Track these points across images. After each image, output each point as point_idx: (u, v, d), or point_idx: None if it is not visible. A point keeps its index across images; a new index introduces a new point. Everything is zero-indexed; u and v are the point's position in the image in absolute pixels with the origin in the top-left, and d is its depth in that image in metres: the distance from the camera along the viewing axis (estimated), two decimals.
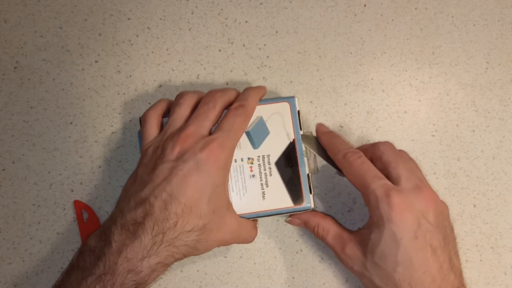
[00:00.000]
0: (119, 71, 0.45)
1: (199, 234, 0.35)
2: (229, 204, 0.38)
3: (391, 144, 0.40)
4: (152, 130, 0.39)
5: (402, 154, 0.39)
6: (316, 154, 0.41)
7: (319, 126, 0.43)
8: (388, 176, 0.37)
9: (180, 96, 0.40)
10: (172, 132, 0.37)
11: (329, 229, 0.39)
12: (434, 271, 0.34)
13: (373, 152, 0.39)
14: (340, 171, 0.40)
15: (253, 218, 0.40)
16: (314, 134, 0.44)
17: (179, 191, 0.34)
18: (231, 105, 0.39)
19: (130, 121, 0.45)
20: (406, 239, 0.34)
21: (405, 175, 0.37)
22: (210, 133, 0.37)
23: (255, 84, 0.45)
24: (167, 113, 0.40)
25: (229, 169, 0.38)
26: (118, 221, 0.34)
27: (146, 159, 0.37)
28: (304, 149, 0.40)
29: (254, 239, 0.40)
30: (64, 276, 0.34)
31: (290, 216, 0.42)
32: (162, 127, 0.40)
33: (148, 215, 0.34)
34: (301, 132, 0.41)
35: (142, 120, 0.40)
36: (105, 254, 0.33)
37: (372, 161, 0.38)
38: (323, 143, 0.41)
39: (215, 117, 0.38)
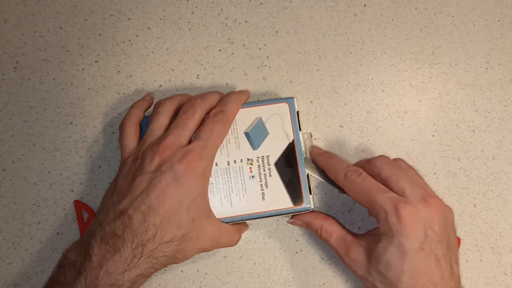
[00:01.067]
0: (119, 71, 0.45)
1: (178, 244, 0.35)
2: (209, 212, 0.38)
3: (386, 157, 0.39)
4: (131, 139, 0.39)
5: (400, 164, 0.39)
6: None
7: (313, 148, 0.42)
8: (390, 190, 0.37)
9: (158, 104, 0.39)
10: (151, 142, 0.37)
11: (332, 231, 0.39)
12: (437, 279, 0.35)
13: (370, 170, 0.38)
14: (341, 190, 0.39)
15: (239, 222, 0.40)
16: (312, 135, 0.44)
17: (158, 203, 0.34)
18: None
19: None
20: (413, 250, 0.34)
21: (409, 187, 0.36)
22: (190, 142, 0.37)
23: (255, 84, 0.45)
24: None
25: (209, 177, 0.38)
26: (97, 234, 0.34)
27: (125, 169, 0.37)
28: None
29: (236, 243, 0.40)
30: None
31: (292, 217, 0.42)
32: (140, 134, 0.40)
33: (127, 228, 0.33)
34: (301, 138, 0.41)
35: (120, 131, 0.40)
36: (86, 268, 0.33)
37: None
38: (320, 164, 0.41)
39: (195, 126, 0.38)
